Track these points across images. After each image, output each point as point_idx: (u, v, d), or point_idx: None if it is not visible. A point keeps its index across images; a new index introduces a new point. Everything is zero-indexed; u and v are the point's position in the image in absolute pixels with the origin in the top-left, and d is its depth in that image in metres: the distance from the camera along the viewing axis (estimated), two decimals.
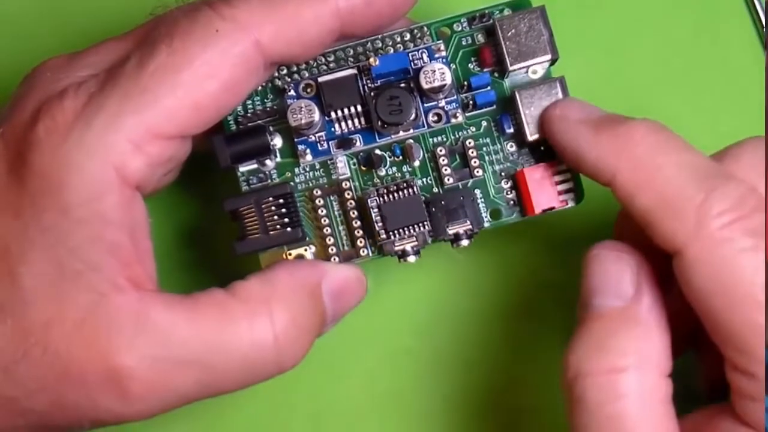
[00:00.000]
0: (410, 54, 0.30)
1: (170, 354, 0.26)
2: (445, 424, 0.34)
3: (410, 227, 0.29)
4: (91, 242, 0.26)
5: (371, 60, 0.30)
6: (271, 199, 0.30)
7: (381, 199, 0.29)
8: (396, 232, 0.29)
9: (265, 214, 0.30)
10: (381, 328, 0.35)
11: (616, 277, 0.27)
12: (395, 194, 0.29)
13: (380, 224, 0.29)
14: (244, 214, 0.30)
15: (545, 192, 0.30)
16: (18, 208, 0.27)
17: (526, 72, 0.30)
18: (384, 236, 0.29)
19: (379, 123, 0.30)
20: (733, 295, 0.25)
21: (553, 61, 0.30)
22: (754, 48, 0.36)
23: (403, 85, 0.30)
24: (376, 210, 0.29)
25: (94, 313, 0.26)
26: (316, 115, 0.30)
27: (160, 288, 0.28)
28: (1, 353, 0.26)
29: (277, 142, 0.31)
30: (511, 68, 0.29)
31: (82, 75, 0.28)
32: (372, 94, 0.30)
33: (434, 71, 0.29)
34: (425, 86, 0.29)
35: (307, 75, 0.31)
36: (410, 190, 0.29)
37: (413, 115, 0.30)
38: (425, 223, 0.29)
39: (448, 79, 0.29)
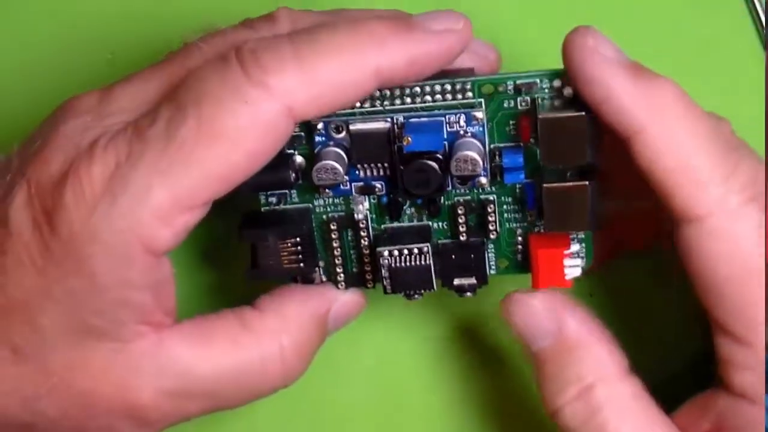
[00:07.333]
0: (447, 116, 0.29)
1: (187, 389, 0.29)
2: (444, 428, 0.37)
3: (417, 289, 0.31)
4: (116, 305, 0.28)
5: (405, 139, 0.28)
6: (289, 236, 0.30)
7: (392, 260, 0.30)
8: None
9: (281, 248, 0.31)
10: (381, 332, 0.37)
11: (535, 323, 0.30)
12: (407, 260, 0.30)
13: (388, 281, 0.31)
14: (260, 244, 0.31)
15: (554, 272, 0.30)
16: (42, 268, 0.27)
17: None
18: (390, 291, 0.31)
19: (404, 192, 0.30)
20: (745, 265, 0.27)
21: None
22: (754, 48, 0.35)
23: (432, 163, 0.29)
24: (386, 269, 0.30)
25: (116, 360, 0.28)
26: (341, 175, 0.29)
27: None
28: (19, 390, 0.28)
29: (300, 161, 0.31)
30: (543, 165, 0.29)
31: (111, 122, 0.28)
32: (400, 160, 0.29)
33: (466, 161, 0.29)
34: (455, 173, 0.29)
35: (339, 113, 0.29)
36: (422, 260, 0.30)
37: (438, 187, 0.29)
38: (432, 288, 0.31)
39: (479, 170, 0.29)
